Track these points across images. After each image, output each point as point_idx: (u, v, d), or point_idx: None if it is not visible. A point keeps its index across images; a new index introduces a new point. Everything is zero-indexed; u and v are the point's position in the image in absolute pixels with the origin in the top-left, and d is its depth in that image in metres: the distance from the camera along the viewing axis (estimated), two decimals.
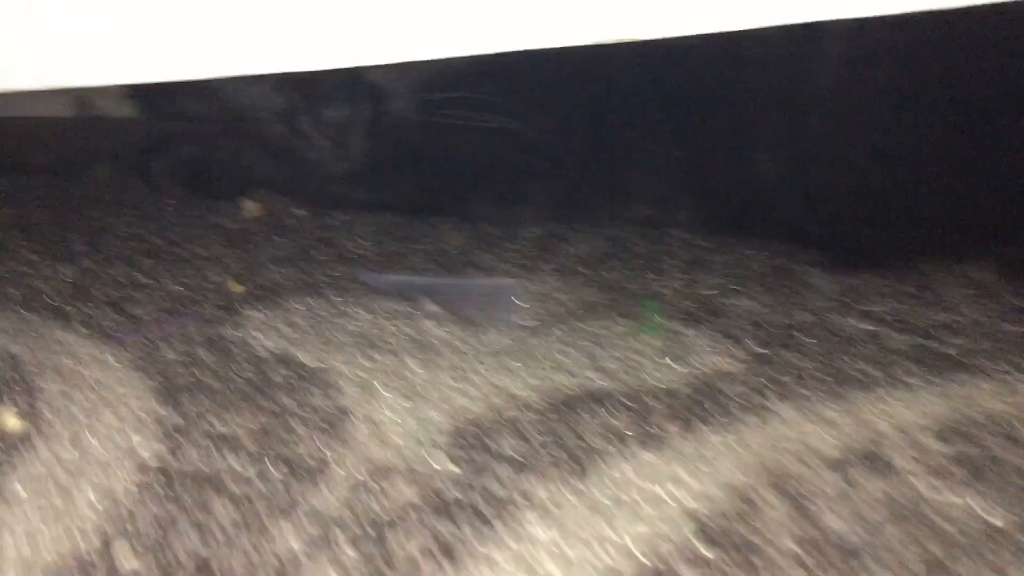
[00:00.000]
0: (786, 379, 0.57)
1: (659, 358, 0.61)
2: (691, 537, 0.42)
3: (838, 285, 0.73)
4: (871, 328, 0.65)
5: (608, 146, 0.88)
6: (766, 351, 0.62)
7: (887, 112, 0.75)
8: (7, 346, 0.62)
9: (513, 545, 0.42)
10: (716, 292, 0.72)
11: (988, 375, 0.58)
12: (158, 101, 0.98)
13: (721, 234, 0.85)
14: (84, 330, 0.65)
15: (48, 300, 0.70)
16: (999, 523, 0.43)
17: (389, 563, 0.41)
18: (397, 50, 0.49)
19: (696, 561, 0.41)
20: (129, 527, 0.43)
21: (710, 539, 0.42)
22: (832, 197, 0.79)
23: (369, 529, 0.43)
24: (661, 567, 0.40)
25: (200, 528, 0.43)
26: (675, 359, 0.60)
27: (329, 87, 0.88)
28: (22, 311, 0.68)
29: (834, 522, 0.43)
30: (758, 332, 0.64)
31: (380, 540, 0.42)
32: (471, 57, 0.50)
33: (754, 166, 0.81)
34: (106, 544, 0.42)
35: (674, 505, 0.45)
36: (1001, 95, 0.71)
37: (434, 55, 0.49)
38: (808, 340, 0.63)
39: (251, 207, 0.96)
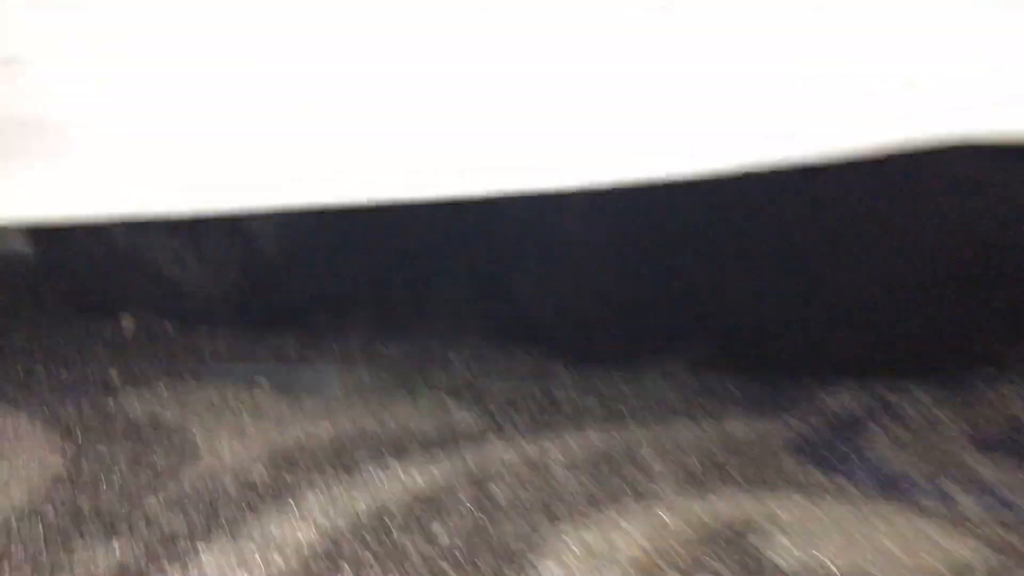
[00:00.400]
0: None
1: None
2: None
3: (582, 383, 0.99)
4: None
5: (414, 278, 1.16)
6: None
7: (609, 252, 1.04)
8: None
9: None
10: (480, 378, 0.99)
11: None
12: (56, 240, 1.22)
13: (499, 339, 1.11)
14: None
15: None
16: None
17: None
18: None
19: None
20: None
21: None
22: (574, 313, 1.07)
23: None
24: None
25: None
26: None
27: (211, 231, 1.14)
28: None
29: None
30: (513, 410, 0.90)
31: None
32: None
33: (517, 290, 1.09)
34: None
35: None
36: (683, 235, 1.01)
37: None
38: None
39: (128, 321, 1.19)
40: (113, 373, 0.97)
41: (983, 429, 0.80)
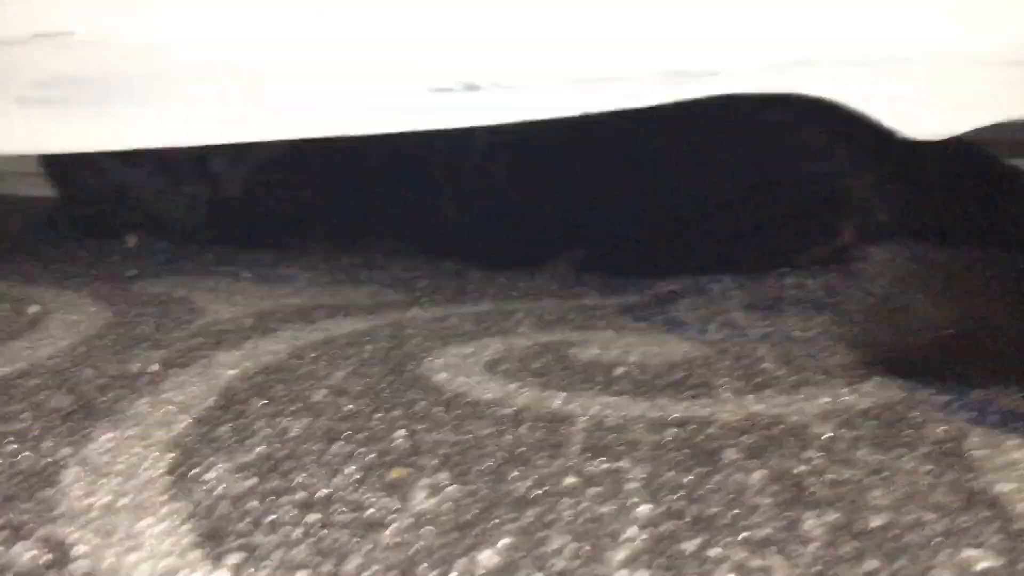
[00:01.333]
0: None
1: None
2: None
3: (487, 280, 1.33)
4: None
5: (361, 206, 1.49)
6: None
7: (508, 182, 1.38)
8: None
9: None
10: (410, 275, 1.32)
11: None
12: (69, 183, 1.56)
13: (427, 250, 1.44)
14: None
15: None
16: None
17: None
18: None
19: None
20: None
21: None
22: (484, 230, 1.41)
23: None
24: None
25: None
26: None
27: (184, 171, 1.46)
28: None
29: None
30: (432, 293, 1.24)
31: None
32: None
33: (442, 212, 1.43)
34: None
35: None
36: (562, 166, 1.34)
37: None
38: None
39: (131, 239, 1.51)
40: (131, 271, 1.30)
41: (755, 299, 1.14)
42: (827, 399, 0.78)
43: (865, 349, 0.86)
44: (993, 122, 0.98)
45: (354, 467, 0.63)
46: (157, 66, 1.06)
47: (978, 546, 0.53)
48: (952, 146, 1.04)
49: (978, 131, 0.99)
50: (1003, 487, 0.61)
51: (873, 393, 0.79)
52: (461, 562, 0.50)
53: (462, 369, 0.87)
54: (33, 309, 1.06)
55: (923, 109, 0.97)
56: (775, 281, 1.19)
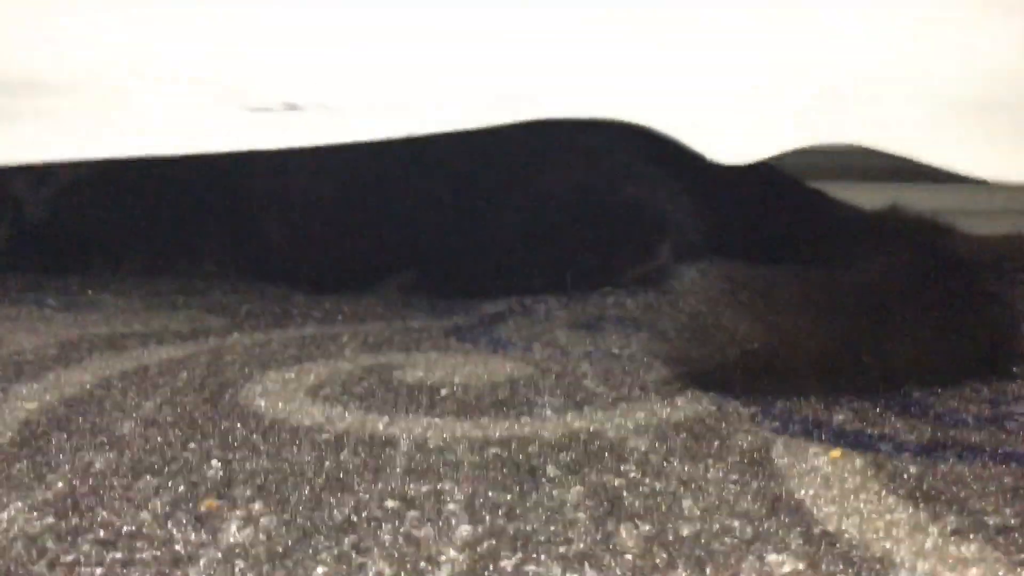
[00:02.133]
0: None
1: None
2: None
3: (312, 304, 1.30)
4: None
5: (180, 228, 1.43)
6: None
7: (334, 205, 1.36)
8: None
9: None
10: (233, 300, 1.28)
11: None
12: None
13: (251, 276, 1.41)
14: None
15: None
16: None
17: None
18: None
19: None
20: None
21: None
22: (308, 255, 1.38)
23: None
24: None
25: None
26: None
27: None
28: None
29: None
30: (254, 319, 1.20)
31: None
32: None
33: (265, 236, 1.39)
34: None
35: None
36: (390, 189, 1.34)
37: None
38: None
39: None
40: None
41: (578, 318, 1.17)
42: (643, 413, 0.80)
43: (678, 364, 0.89)
44: (796, 148, 1.04)
45: (162, 501, 0.60)
46: None
47: (783, 550, 0.55)
48: (759, 170, 1.10)
49: (784, 156, 1.05)
50: (806, 492, 0.64)
51: (685, 407, 0.82)
52: None
53: (283, 395, 0.85)
54: None
55: (728, 135, 1.02)
56: (597, 300, 1.22)
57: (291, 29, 1.05)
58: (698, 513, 0.60)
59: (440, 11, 1.04)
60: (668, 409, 0.81)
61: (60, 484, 0.62)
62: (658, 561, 0.53)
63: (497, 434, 0.75)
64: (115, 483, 0.63)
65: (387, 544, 0.55)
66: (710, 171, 1.07)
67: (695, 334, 0.90)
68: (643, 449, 0.72)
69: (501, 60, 1.05)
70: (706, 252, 1.22)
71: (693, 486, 0.64)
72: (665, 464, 0.68)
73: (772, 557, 0.54)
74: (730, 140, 1.02)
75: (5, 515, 0.57)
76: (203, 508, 0.59)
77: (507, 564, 0.52)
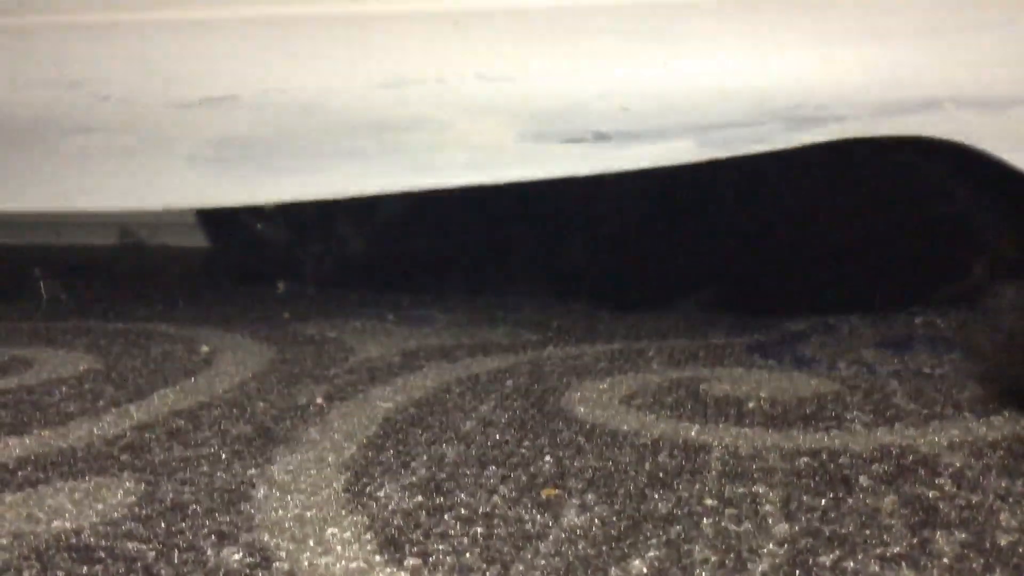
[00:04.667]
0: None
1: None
2: None
3: (617, 320, 1.38)
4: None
5: (497, 249, 1.57)
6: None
7: (637, 225, 1.44)
8: None
9: None
10: (544, 316, 1.39)
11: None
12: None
13: (559, 293, 1.51)
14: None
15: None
16: None
17: None
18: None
19: None
20: None
21: None
22: (613, 273, 1.47)
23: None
24: None
25: None
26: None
27: (314, 230, 1.59)
28: None
29: None
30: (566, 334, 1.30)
31: None
32: None
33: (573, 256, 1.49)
34: None
35: None
36: (691, 210, 1.39)
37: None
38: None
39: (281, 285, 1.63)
40: (285, 314, 1.40)
41: (885, 337, 1.16)
42: (957, 431, 0.80)
43: (994, 383, 0.88)
44: None
45: (508, 488, 0.69)
46: (316, 125, 1.16)
47: None
48: None
49: None
50: None
51: (1003, 426, 0.81)
52: (614, 570, 0.55)
53: (599, 403, 0.93)
54: (204, 349, 1.16)
55: None
56: (905, 319, 1.21)
57: (599, 67, 1.13)
58: (1015, 525, 0.60)
59: (730, 28, 1.08)
60: (984, 428, 0.81)
61: (423, 471, 0.73)
62: (975, 566, 0.55)
63: (807, 445, 0.78)
64: (466, 472, 0.73)
65: (710, 536, 0.60)
66: None
67: (1013, 353, 0.89)
68: (958, 465, 0.72)
69: (801, 77, 1.07)
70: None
71: (1011, 500, 0.64)
72: (981, 479, 0.69)
73: None
74: None
75: (382, 493, 0.68)
76: (544, 496, 0.67)
77: (826, 560, 0.56)
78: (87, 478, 0.71)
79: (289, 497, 0.67)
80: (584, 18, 1.09)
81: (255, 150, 1.16)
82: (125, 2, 1.16)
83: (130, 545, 0.58)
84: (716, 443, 0.80)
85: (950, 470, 0.71)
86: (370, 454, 0.77)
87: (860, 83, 1.06)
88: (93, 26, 1.17)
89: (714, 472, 0.72)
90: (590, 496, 0.67)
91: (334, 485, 0.70)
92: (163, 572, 0.55)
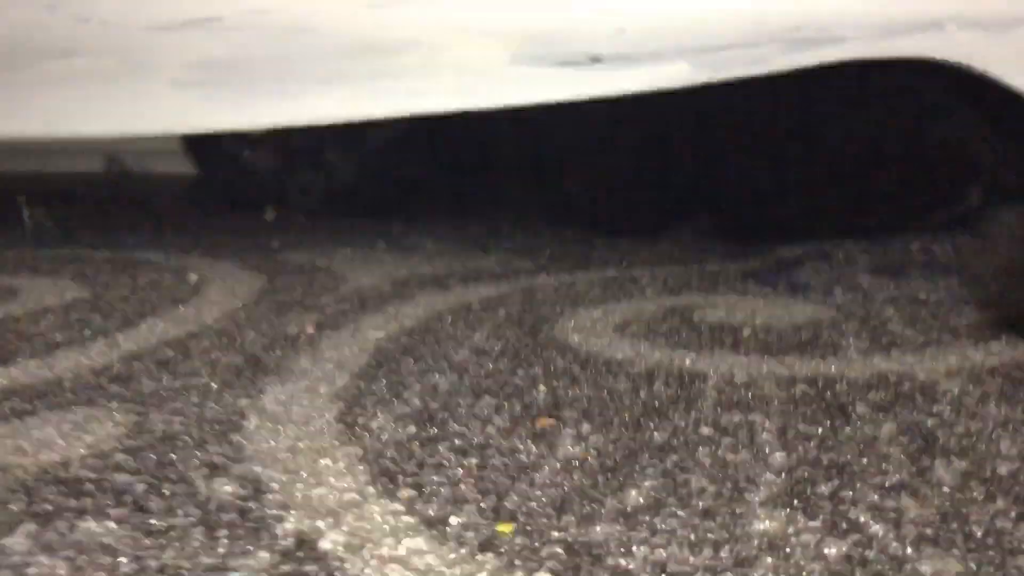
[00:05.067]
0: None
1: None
2: None
3: (611, 247, 1.37)
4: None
5: (491, 176, 1.54)
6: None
7: (631, 153, 1.41)
8: None
9: None
10: (537, 244, 1.37)
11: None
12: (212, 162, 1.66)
13: (553, 220, 1.49)
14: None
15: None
16: None
17: None
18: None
19: None
20: None
21: None
22: (607, 200, 1.45)
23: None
24: None
25: None
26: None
27: (302, 157, 1.56)
28: None
29: None
30: (558, 262, 1.29)
31: None
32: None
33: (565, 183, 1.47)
34: None
35: None
36: (683, 137, 1.37)
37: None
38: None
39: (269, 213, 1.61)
40: (275, 243, 1.38)
41: (881, 262, 1.15)
42: (955, 358, 0.80)
43: (992, 309, 0.87)
44: None
45: (502, 418, 0.68)
46: (302, 47, 1.12)
47: None
48: None
49: None
50: None
51: (1001, 352, 0.80)
52: (610, 501, 0.54)
53: (593, 331, 0.92)
54: (193, 278, 1.14)
55: None
56: (901, 245, 1.20)
57: None
58: (1016, 452, 0.60)
59: None
60: (982, 354, 0.80)
61: (416, 401, 0.72)
62: (976, 495, 0.54)
63: (803, 373, 0.78)
64: (460, 402, 0.72)
65: (707, 465, 0.59)
66: None
67: (1012, 278, 0.88)
68: (956, 392, 0.72)
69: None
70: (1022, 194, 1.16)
71: (1011, 428, 0.64)
72: (980, 406, 0.68)
73: None
74: None
75: (375, 424, 0.67)
76: (539, 426, 0.66)
77: (824, 489, 0.55)
78: (75, 409, 0.70)
79: (281, 428, 0.66)
80: None
81: (239, 73, 1.13)
82: None
83: (119, 477, 0.57)
84: (711, 371, 0.79)
85: (948, 397, 0.71)
86: (362, 384, 0.76)
87: (861, 3, 1.03)
88: None
89: (710, 401, 0.72)
90: (585, 425, 0.66)
91: (326, 416, 0.69)
92: (153, 505, 0.54)
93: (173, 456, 0.61)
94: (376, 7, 1.09)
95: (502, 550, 0.49)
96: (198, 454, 0.61)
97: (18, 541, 0.49)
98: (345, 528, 0.51)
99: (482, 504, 0.54)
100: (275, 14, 1.10)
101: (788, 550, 0.48)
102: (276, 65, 1.12)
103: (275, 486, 0.56)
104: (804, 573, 0.46)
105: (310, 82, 1.10)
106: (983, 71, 1.02)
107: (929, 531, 0.50)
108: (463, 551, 0.49)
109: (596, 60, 1.10)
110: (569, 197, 1.49)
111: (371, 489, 0.56)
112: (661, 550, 0.49)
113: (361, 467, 0.59)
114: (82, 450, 0.62)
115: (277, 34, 1.10)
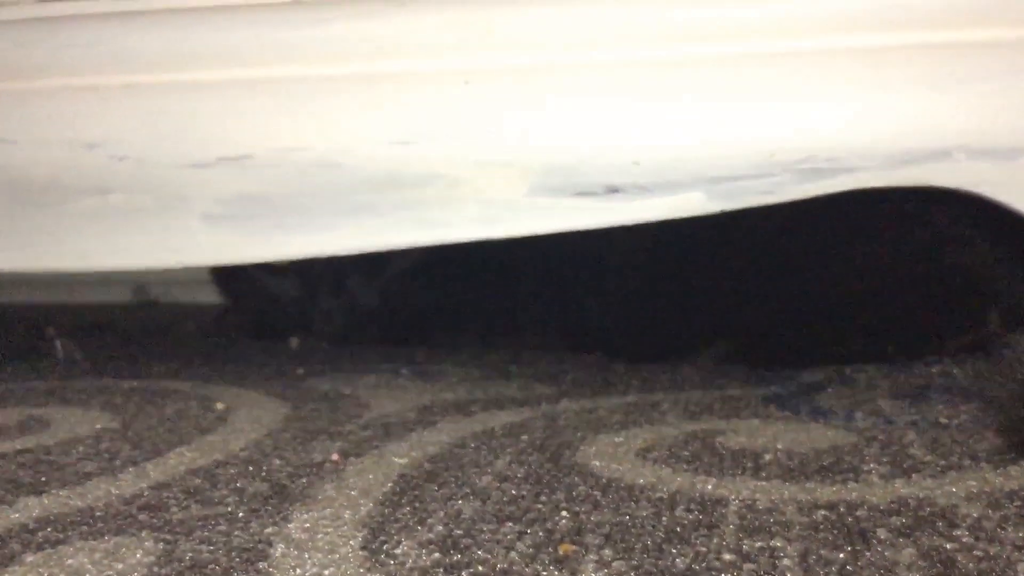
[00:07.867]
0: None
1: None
2: None
3: (631, 372, 1.38)
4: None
5: (509, 304, 1.57)
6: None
7: (650, 278, 1.44)
8: None
9: None
10: (558, 370, 1.39)
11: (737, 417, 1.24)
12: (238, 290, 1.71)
13: (573, 347, 1.51)
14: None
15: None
16: None
17: None
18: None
19: None
20: None
21: None
22: (627, 326, 1.47)
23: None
24: None
25: None
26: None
27: (325, 285, 1.60)
28: None
29: None
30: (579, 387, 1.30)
31: None
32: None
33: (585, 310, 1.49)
34: None
35: None
36: (703, 263, 1.40)
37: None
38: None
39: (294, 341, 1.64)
40: (299, 370, 1.41)
41: (901, 387, 1.16)
42: (974, 482, 0.80)
43: (1012, 434, 0.88)
44: None
45: (525, 544, 0.69)
46: (328, 182, 1.17)
47: None
48: None
49: None
50: None
51: (1020, 476, 0.81)
52: None
53: (615, 457, 0.93)
54: (219, 406, 1.17)
55: None
56: (921, 370, 1.21)
57: (611, 122, 1.14)
58: None
59: (740, 82, 1.09)
60: (1001, 478, 0.81)
61: (439, 527, 0.73)
62: None
63: (825, 498, 0.78)
64: (483, 528, 0.72)
65: None
66: None
67: None
68: (976, 516, 0.72)
69: (809, 128, 1.08)
70: None
71: None
72: (999, 530, 0.69)
73: None
74: None
75: (399, 550, 0.68)
76: (561, 552, 0.67)
77: None
78: (106, 537, 0.71)
79: (307, 555, 0.67)
80: (595, 74, 1.11)
81: (269, 207, 1.18)
82: (141, 64, 1.18)
83: None
84: (733, 496, 0.79)
85: (968, 521, 0.71)
86: (386, 511, 0.77)
87: (869, 134, 1.07)
88: (110, 88, 1.19)
89: (731, 526, 0.72)
90: (607, 551, 0.67)
91: (351, 543, 0.69)
92: None
93: None
94: (399, 144, 1.14)
95: None
96: None
97: None
98: None
99: None
100: (303, 151, 1.15)
101: None
102: (304, 199, 1.17)
103: None
104: None
105: (336, 215, 1.14)
106: (992, 198, 1.05)
107: None
108: None
109: (613, 191, 1.14)
110: (590, 323, 1.51)
111: None
112: None
113: None
114: None
115: (305, 170, 1.15)
